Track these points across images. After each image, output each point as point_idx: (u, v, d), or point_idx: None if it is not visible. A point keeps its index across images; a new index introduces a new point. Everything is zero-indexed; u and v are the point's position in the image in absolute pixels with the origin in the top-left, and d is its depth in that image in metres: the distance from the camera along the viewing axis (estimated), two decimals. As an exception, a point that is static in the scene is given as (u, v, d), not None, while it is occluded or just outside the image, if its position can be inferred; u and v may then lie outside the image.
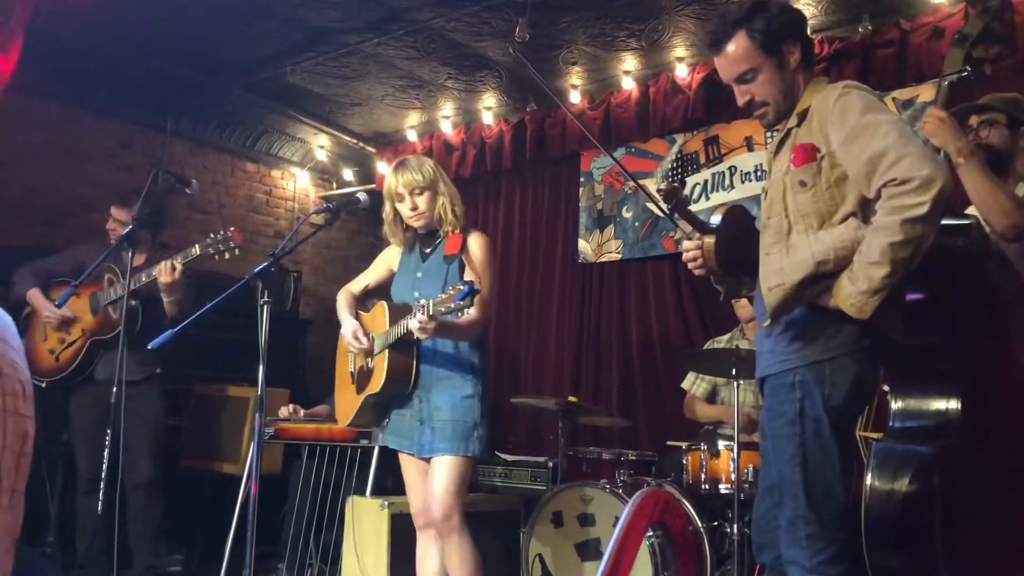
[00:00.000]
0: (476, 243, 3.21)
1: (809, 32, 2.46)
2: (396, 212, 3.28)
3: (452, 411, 3.09)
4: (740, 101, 2.47)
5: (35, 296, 4.31)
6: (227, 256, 3.85)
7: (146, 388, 4.29)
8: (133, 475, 4.14)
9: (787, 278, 2.23)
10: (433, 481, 3.08)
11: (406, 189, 3.20)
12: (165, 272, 3.96)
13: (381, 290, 3.45)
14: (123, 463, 3.72)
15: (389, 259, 3.45)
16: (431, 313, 2.80)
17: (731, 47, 2.39)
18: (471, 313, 3.02)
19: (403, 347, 3.13)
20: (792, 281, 2.22)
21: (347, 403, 3.38)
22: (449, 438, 3.07)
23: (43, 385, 4.26)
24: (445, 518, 3.05)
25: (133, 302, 4.10)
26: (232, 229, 3.85)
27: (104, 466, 3.62)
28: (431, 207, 3.22)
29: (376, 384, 3.15)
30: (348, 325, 3.26)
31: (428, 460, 3.14)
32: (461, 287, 2.74)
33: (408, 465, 3.24)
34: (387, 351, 3.12)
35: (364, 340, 3.19)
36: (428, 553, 3.20)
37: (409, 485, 3.25)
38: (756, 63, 2.38)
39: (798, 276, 2.21)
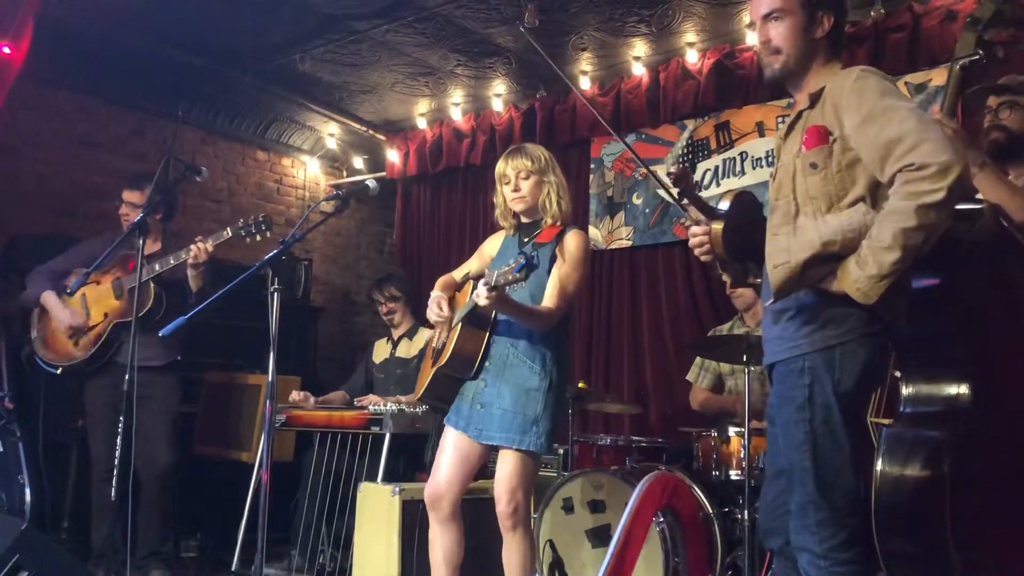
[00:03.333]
0: (573, 239, 3.17)
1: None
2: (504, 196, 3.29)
3: (514, 401, 3.06)
4: (759, 39, 2.45)
5: (48, 298, 4.32)
6: (258, 238, 3.96)
7: (166, 375, 4.33)
8: (151, 462, 4.17)
9: (793, 257, 2.21)
10: (498, 475, 3.08)
11: (513, 172, 3.21)
12: (202, 253, 4.04)
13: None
14: (140, 450, 3.74)
15: (486, 251, 3.43)
16: (493, 283, 2.76)
17: None
18: (547, 303, 3.03)
19: (476, 325, 3.11)
20: (797, 260, 2.20)
21: (423, 376, 3.39)
22: (506, 428, 3.04)
23: (58, 371, 4.29)
24: (509, 512, 3.05)
25: (156, 287, 4.16)
26: (263, 214, 3.99)
27: (118, 453, 3.64)
28: (534, 193, 3.21)
29: (444, 357, 3.15)
30: (432, 296, 3.25)
31: (480, 445, 3.14)
32: (520, 258, 2.69)
33: (450, 438, 3.20)
34: (460, 326, 3.11)
35: (441, 309, 3.18)
36: (436, 536, 3.19)
37: (439, 459, 3.20)
38: (790, 7, 2.36)
39: (804, 255, 2.20)
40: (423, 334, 4.91)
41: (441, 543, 3.18)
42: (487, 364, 3.14)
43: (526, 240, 3.26)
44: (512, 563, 3.09)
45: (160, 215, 4.37)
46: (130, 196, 4.42)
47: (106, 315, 4.25)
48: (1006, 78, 3.04)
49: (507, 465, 3.06)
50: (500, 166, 3.26)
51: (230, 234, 4.03)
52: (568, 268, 3.11)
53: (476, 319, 3.10)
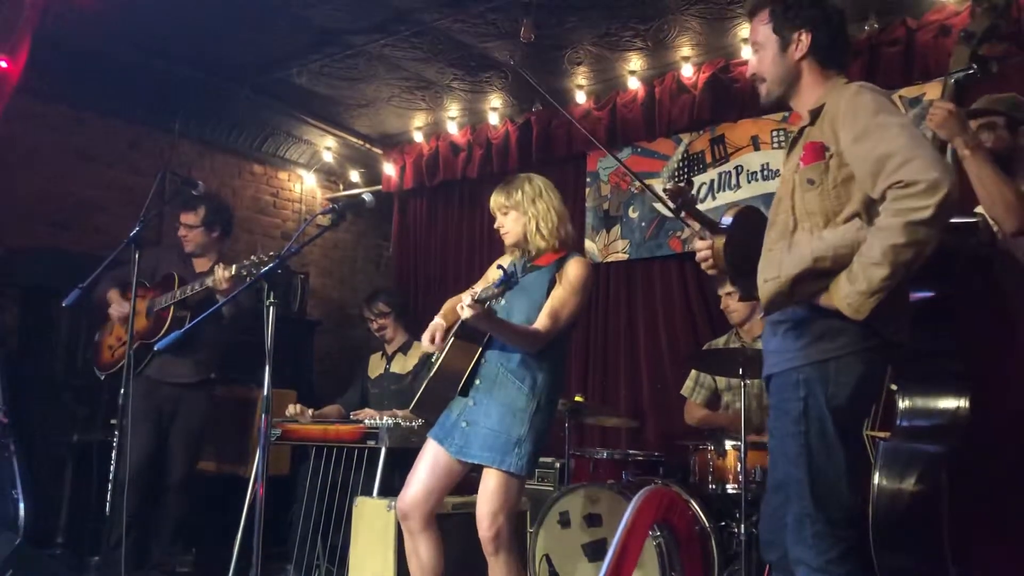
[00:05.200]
0: (574, 267, 3.17)
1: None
2: None
3: (500, 420, 3.06)
4: (748, 68, 2.56)
5: (114, 295, 4.41)
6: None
7: (198, 392, 4.37)
8: (169, 476, 4.19)
9: (783, 272, 2.23)
10: (480, 497, 3.07)
11: (495, 208, 3.29)
12: (221, 281, 4.02)
13: None
14: (161, 463, 3.77)
15: (493, 272, 3.42)
16: (477, 297, 2.79)
17: (755, 17, 2.49)
18: (537, 324, 3.04)
19: (467, 340, 3.13)
20: (788, 275, 2.22)
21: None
22: (489, 447, 3.04)
23: (102, 378, 4.38)
24: (491, 538, 3.04)
25: (177, 312, 4.22)
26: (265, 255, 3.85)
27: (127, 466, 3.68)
28: (515, 228, 3.24)
29: (434, 371, 3.17)
30: (432, 324, 3.24)
31: (457, 462, 3.14)
32: (500, 273, 2.73)
33: (428, 451, 3.20)
34: (451, 342, 3.13)
35: (432, 339, 3.16)
36: (417, 546, 3.18)
37: (415, 469, 3.20)
38: (762, 39, 2.46)
39: (794, 271, 2.21)
40: (418, 349, 4.90)
41: (418, 555, 3.18)
42: (477, 382, 3.15)
43: (528, 265, 3.27)
44: None
45: (217, 233, 4.49)
46: (186, 218, 4.48)
47: (136, 333, 4.29)
48: (981, 100, 3.04)
49: (488, 486, 3.06)
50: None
51: (234, 271, 3.97)
52: (564, 293, 3.12)
53: (468, 335, 3.11)
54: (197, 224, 4.43)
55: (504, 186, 3.30)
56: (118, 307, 4.36)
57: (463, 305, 2.82)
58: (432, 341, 3.16)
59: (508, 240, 3.29)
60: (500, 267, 2.80)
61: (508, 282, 2.71)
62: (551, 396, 3.16)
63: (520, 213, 3.23)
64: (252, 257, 3.91)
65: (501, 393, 3.09)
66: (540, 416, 3.10)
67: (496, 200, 3.28)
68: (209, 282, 4.07)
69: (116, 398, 4.32)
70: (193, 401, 4.33)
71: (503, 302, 3.11)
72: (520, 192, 3.24)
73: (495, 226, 3.34)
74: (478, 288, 2.85)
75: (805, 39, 2.40)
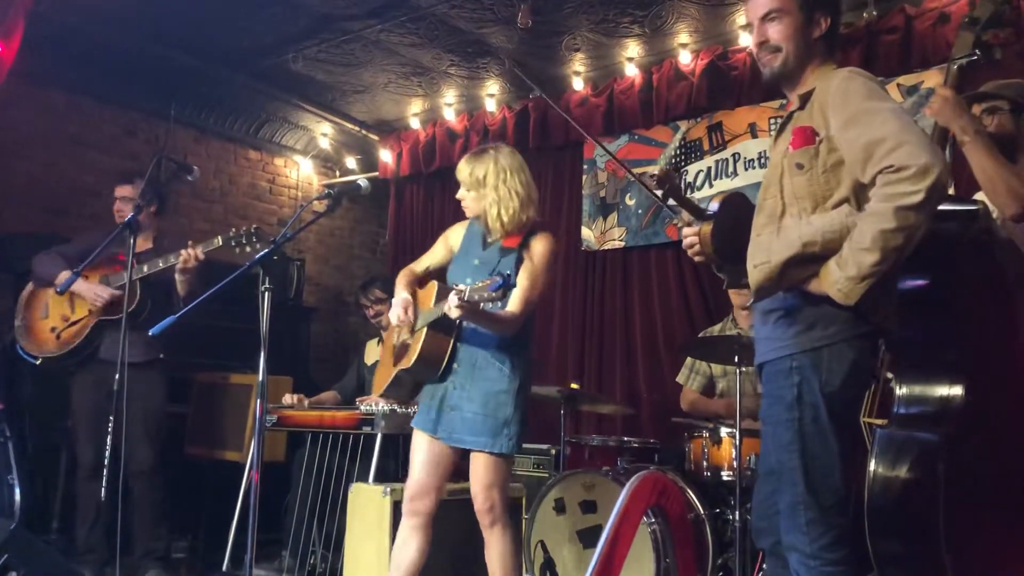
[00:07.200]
0: (539, 244, 3.17)
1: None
2: None
3: (484, 405, 3.07)
4: (755, 40, 2.46)
5: (67, 278, 4.22)
6: (248, 249, 3.87)
7: (149, 372, 4.28)
8: (133, 461, 4.14)
9: (773, 257, 2.22)
10: (473, 477, 3.11)
11: (459, 178, 3.23)
12: (191, 259, 4.01)
13: (443, 271, 3.43)
14: (125, 449, 3.72)
15: (450, 241, 3.41)
16: (465, 298, 2.78)
17: None
18: (512, 308, 3.03)
19: (442, 329, 3.12)
20: (777, 260, 2.21)
21: (384, 374, 3.41)
22: (479, 432, 3.06)
23: (37, 362, 4.25)
24: (486, 510, 3.08)
25: (141, 287, 4.14)
26: (255, 226, 3.89)
27: (107, 451, 3.62)
28: (474, 208, 3.22)
29: (408, 360, 3.16)
30: (398, 299, 3.24)
31: (450, 448, 3.15)
32: (497, 278, 2.72)
33: (420, 446, 3.20)
34: (425, 330, 3.12)
35: (405, 314, 3.17)
36: (407, 541, 3.17)
37: (413, 462, 3.21)
38: (788, 7, 2.37)
39: (784, 256, 2.20)
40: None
41: (407, 549, 3.16)
42: (455, 366, 3.15)
43: (489, 240, 3.24)
44: (496, 562, 3.11)
45: (154, 208, 4.36)
46: (122, 191, 4.40)
47: (90, 311, 4.23)
48: (988, 84, 3.04)
49: (480, 467, 3.09)
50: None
51: (220, 243, 3.96)
52: (534, 273, 3.12)
53: (442, 325, 3.10)
54: (132, 197, 4.30)
55: (471, 160, 3.21)
56: (91, 289, 4.20)
57: (449, 305, 2.82)
58: (405, 315, 3.17)
59: (468, 214, 3.28)
60: (504, 275, 2.75)
61: (507, 287, 2.72)
62: (528, 373, 3.18)
63: (481, 195, 3.19)
64: (232, 231, 3.91)
65: (482, 376, 3.10)
66: (522, 395, 3.13)
67: (461, 174, 3.21)
68: (173, 259, 4.03)
69: (68, 390, 4.32)
70: (144, 382, 4.19)
71: (469, 280, 3.10)
72: (485, 172, 3.17)
73: (457, 196, 3.28)
74: (464, 286, 2.81)
75: (824, 23, 2.38)
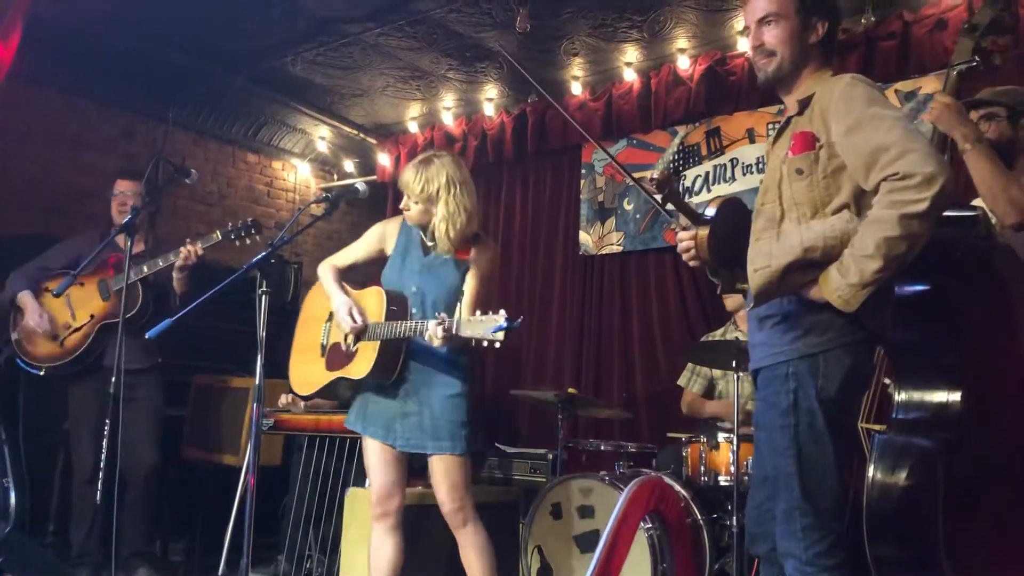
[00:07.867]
0: (484, 254, 3.23)
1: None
2: None
3: (442, 410, 3.13)
4: (751, 43, 2.46)
5: (24, 299, 4.25)
6: (247, 241, 3.98)
7: (149, 377, 4.29)
8: (135, 464, 4.13)
9: (774, 261, 2.21)
10: (437, 480, 3.14)
11: (402, 187, 3.22)
12: (192, 256, 4.05)
13: (368, 267, 3.42)
14: (124, 452, 3.72)
15: (383, 237, 3.42)
16: (455, 332, 2.83)
17: None
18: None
19: (396, 341, 3.14)
20: (778, 265, 2.20)
21: (311, 374, 3.38)
22: (440, 436, 3.12)
23: (41, 372, 4.24)
24: (456, 510, 3.13)
25: (143, 289, 4.16)
26: (251, 219, 4.01)
27: (103, 455, 3.61)
28: (418, 219, 3.23)
29: (359, 371, 3.16)
30: (342, 301, 3.24)
31: (405, 454, 3.21)
32: (498, 319, 2.74)
33: (374, 451, 3.24)
34: (380, 344, 3.12)
35: (359, 320, 3.18)
36: (383, 543, 3.22)
37: (372, 471, 3.26)
38: (784, 11, 2.38)
39: (784, 260, 2.20)
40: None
41: (384, 550, 3.21)
42: (407, 374, 3.18)
43: (432, 245, 3.23)
44: (474, 559, 3.14)
45: (153, 211, 4.39)
46: (124, 185, 4.40)
47: (92, 316, 4.22)
48: (984, 91, 3.04)
49: (445, 469, 3.13)
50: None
51: (219, 237, 4.06)
52: (480, 283, 3.19)
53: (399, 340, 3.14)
54: (133, 192, 4.33)
55: (418, 171, 3.19)
56: (34, 315, 4.18)
57: (431, 334, 2.87)
58: (354, 321, 3.18)
59: (410, 222, 3.29)
60: (508, 319, 2.74)
61: (508, 330, 2.73)
62: (472, 376, 3.27)
63: (428, 209, 3.19)
64: (230, 224, 3.95)
65: (437, 381, 3.16)
66: (471, 396, 3.21)
67: (409, 186, 3.18)
68: (173, 257, 4.06)
69: (66, 394, 4.30)
70: (145, 387, 4.23)
71: (415, 288, 3.20)
72: (433, 186, 3.15)
73: (400, 205, 3.27)
74: (444, 316, 2.87)
75: (821, 29, 2.39)
